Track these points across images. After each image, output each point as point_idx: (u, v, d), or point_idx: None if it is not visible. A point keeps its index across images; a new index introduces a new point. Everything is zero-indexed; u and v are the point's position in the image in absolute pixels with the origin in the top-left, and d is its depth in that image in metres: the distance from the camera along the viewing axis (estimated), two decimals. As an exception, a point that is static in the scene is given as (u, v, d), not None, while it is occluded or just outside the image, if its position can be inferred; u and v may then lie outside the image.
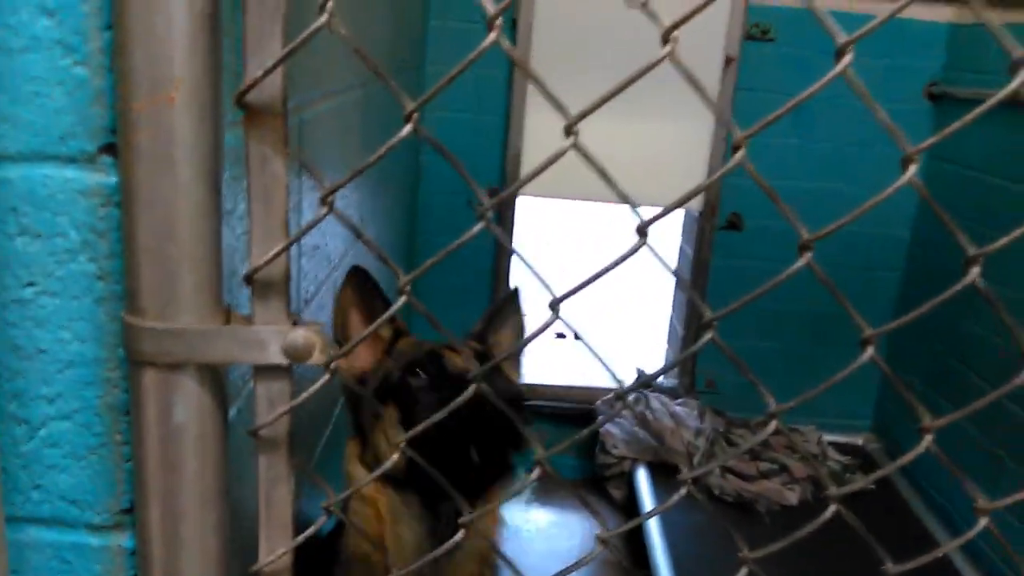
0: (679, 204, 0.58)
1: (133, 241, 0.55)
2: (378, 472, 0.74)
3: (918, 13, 2.96)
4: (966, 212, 2.77)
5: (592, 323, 4.78)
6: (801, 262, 0.55)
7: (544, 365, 3.58)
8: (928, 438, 0.59)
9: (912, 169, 0.55)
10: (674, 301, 3.56)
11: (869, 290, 3.20)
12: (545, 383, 3.35)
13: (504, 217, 3.11)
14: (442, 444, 0.99)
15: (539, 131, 3.04)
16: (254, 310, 0.57)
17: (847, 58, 0.53)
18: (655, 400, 3.10)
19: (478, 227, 0.57)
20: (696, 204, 3.13)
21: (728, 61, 2.98)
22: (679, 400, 3.14)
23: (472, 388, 0.61)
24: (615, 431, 3.03)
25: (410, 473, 1.10)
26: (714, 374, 3.29)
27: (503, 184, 3.07)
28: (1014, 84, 0.53)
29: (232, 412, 0.91)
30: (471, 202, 3.08)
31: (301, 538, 0.64)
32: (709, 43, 2.96)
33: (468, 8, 2.90)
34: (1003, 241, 0.55)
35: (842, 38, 0.53)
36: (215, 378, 0.59)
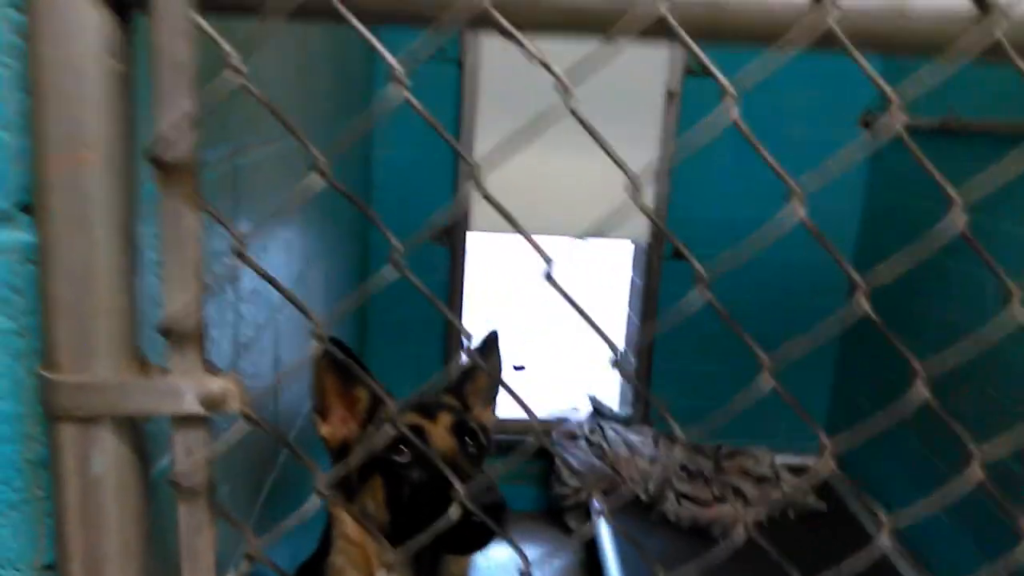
0: (592, 235, 0.61)
1: (49, 298, 0.56)
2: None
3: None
4: (903, 237, 2.86)
5: (548, 353, 4.80)
6: (699, 297, 0.58)
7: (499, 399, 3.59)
8: (828, 458, 0.62)
9: (799, 207, 0.58)
10: (627, 331, 3.60)
11: (814, 315, 3.26)
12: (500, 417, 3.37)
13: (455, 251, 3.14)
14: (425, 515, 1.17)
15: (487, 168, 3.07)
16: (170, 361, 0.58)
17: (734, 111, 0.57)
18: (610, 430, 3.12)
19: (391, 273, 0.59)
20: (643, 236, 3.18)
21: (671, 96, 3.06)
22: (633, 428, 3.16)
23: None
24: (571, 462, 3.04)
25: (394, 531, 1.22)
26: (668, 401, 3.33)
27: (455, 222, 3.10)
28: (874, 144, 0.57)
29: (164, 461, 0.91)
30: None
31: (227, 585, 0.65)
32: (652, 79, 3.03)
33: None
34: (888, 275, 0.59)
35: (730, 90, 0.57)
36: (133, 430, 0.60)
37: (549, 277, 0.60)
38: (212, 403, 0.58)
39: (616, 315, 5.02)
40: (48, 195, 0.55)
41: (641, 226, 3.13)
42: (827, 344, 3.27)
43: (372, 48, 0.57)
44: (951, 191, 0.58)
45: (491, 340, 1.41)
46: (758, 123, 0.57)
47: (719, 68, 0.58)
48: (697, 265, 0.58)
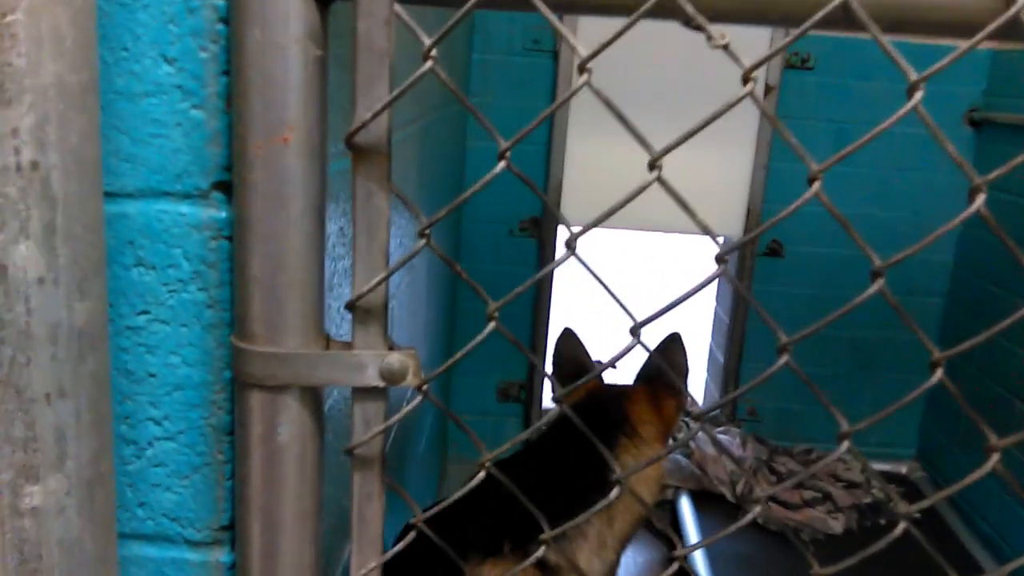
0: (757, 234, 0.61)
1: (245, 271, 0.59)
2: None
3: (960, 40, 2.98)
4: (1012, 237, 2.76)
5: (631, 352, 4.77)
6: (873, 289, 0.58)
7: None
8: (995, 457, 0.61)
9: (980, 199, 0.57)
10: (713, 329, 3.56)
11: (913, 316, 3.17)
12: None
13: (544, 244, 3.15)
14: None
15: (580, 160, 3.08)
16: (354, 335, 0.61)
17: (918, 95, 0.56)
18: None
19: (566, 256, 0.60)
20: (736, 231, 3.14)
21: (768, 90, 3.01)
22: (721, 428, 3.13)
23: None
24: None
25: None
26: (756, 402, 3.28)
27: (544, 213, 3.11)
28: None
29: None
30: (514, 231, 3.13)
31: (389, 554, 0.67)
32: (748, 73, 2.98)
33: (509, 41, 2.98)
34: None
35: (914, 75, 0.56)
36: (315, 400, 0.62)
37: (720, 259, 0.61)
38: (392, 377, 0.60)
39: (702, 313, 4.96)
40: (249, 173, 0.58)
41: (735, 221, 3.09)
42: (924, 350, 3.18)
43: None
44: None
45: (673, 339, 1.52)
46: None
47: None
48: (875, 257, 0.58)
